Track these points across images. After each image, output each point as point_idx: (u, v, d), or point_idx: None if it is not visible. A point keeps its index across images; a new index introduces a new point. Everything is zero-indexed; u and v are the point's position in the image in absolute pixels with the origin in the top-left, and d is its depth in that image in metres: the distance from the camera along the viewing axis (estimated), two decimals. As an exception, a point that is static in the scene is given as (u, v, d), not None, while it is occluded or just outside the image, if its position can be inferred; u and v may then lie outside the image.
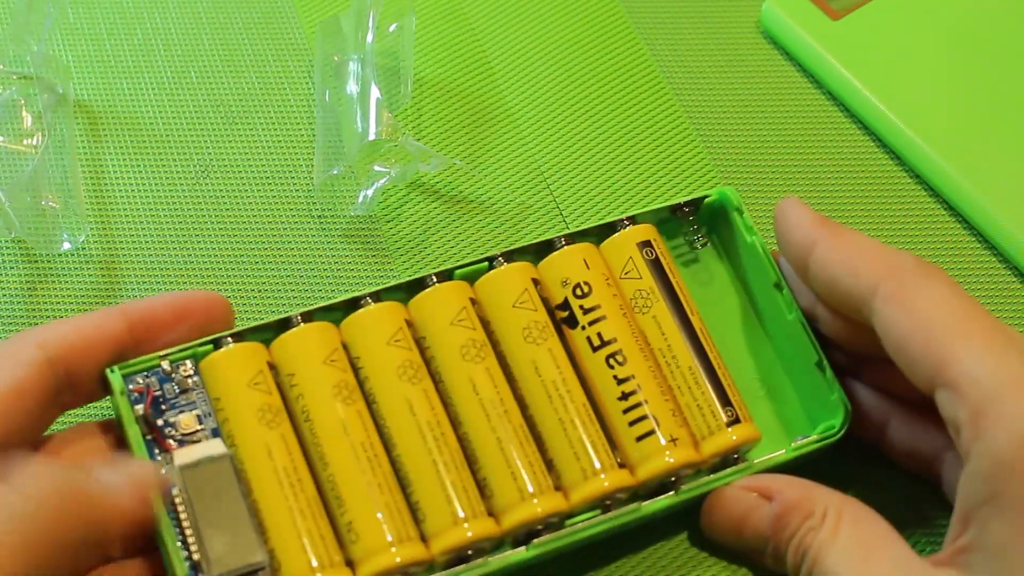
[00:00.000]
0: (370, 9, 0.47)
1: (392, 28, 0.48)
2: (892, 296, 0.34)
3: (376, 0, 0.47)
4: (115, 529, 0.32)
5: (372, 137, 0.44)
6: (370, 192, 0.44)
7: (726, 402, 0.37)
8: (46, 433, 0.35)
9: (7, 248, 0.44)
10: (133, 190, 0.46)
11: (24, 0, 0.46)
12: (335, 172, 0.45)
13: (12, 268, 0.43)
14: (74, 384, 0.34)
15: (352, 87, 0.46)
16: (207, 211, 0.45)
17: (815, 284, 0.37)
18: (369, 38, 0.47)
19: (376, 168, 0.44)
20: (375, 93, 0.45)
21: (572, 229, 0.38)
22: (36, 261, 0.44)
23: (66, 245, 0.44)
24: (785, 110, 0.49)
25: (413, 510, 0.34)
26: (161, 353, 0.35)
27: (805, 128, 0.48)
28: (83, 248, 0.44)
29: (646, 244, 0.38)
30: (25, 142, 0.44)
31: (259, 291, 0.43)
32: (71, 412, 0.37)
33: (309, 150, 0.47)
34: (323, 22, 0.48)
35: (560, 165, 0.47)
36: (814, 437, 0.37)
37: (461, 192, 0.46)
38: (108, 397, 0.35)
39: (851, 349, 0.38)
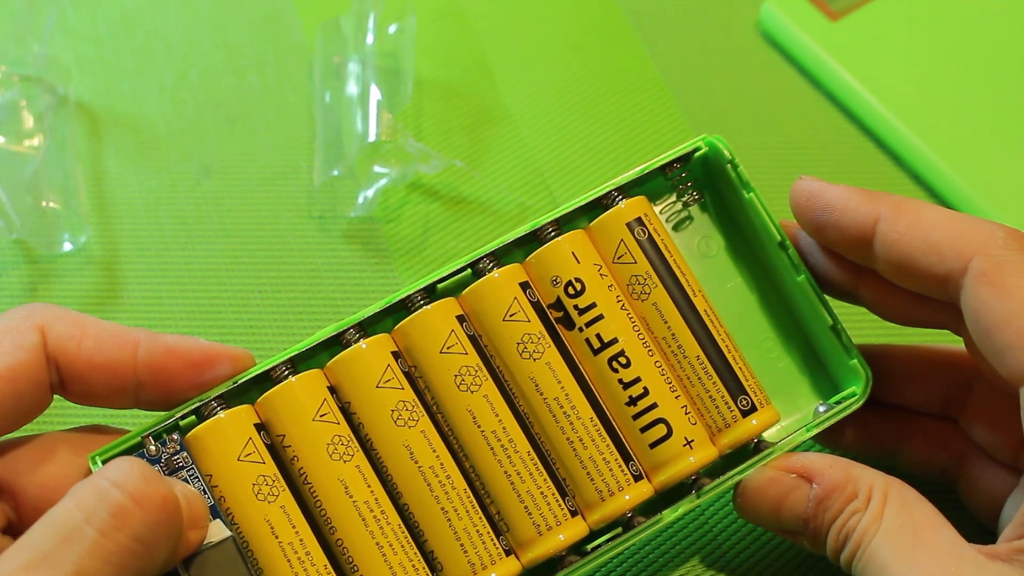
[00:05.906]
0: (370, 10, 0.47)
1: (392, 29, 0.48)
2: (986, 275, 0.31)
3: (376, 1, 0.47)
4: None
5: (372, 138, 0.44)
6: (370, 193, 0.44)
7: (740, 390, 0.35)
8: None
9: (8, 249, 0.44)
10: (134, 191, 0.46)
11: (25, 1, 0.46)
12: (335, 173, 0.45)
13: (13, 269, 0.44)
14: (64, 384, 0.33)
15: (352, 88, 0.46)
16: (207, 212, 0.45)
17: (882, 264, 0.33)
18: (369, 39, 0.47)
19: (376, 169, 0.45)
20: (375, 94, 0.45)
21: (554, 214, 0.35)
22: (37, 262, 0.44)
23: (67, 246, 0.44)
24: (784, 111, 0.49)
25: (429, 559, 0.34)
26: (144, 431, 0.33)
27: (804, 129, 0.48)
28: (84, 249, 0.44)
29: (637, 223, 0.36)
30: (26, 143, 0.44)
31: (259, 292, 0.43)
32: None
33: (309, 151, 0.47)
34: (323, 23, 0.48)
35: (559, 165, 0.47)
36: (835, 408, 0.35)
37: (461, 192, 0.46)
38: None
39: (903, 321, 0.36)
